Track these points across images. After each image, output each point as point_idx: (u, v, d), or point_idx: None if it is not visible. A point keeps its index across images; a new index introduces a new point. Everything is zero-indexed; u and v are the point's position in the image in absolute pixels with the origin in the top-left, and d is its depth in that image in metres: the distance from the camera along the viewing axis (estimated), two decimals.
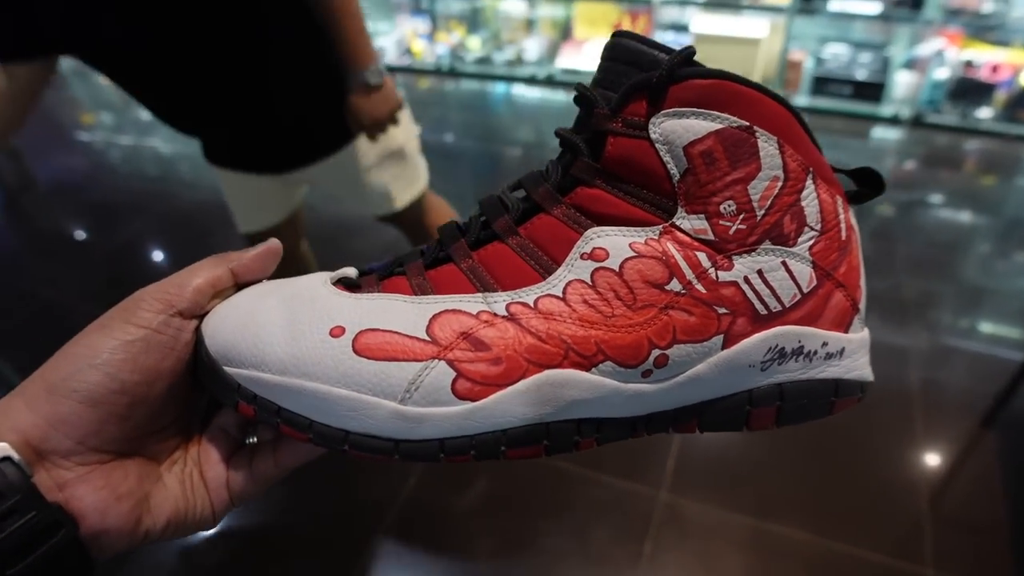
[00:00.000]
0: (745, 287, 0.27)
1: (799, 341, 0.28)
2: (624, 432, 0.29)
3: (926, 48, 2.93)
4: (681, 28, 3.29)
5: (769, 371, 0.29)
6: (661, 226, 0.27)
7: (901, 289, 1.93)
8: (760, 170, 0.26)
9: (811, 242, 0.28)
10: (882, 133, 2.98)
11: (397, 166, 1.20)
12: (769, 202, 0.27)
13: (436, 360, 0.26)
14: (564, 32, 3.65)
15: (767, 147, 0.26)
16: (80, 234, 2.55)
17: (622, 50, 0.28)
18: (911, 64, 3.00)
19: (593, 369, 0.27)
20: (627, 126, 0.27)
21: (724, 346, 0.28)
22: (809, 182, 0.28)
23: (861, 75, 2.99)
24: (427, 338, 0.27)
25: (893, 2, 2.83)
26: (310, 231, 1.45)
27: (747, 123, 0.26)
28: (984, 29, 2.83)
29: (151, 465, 0.30)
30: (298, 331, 0.28)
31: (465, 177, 2.73)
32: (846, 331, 0.31)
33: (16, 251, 2.51)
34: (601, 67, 0.29)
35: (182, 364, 0.30)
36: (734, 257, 0.27)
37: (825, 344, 0.29)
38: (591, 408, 0.28)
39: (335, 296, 0.29)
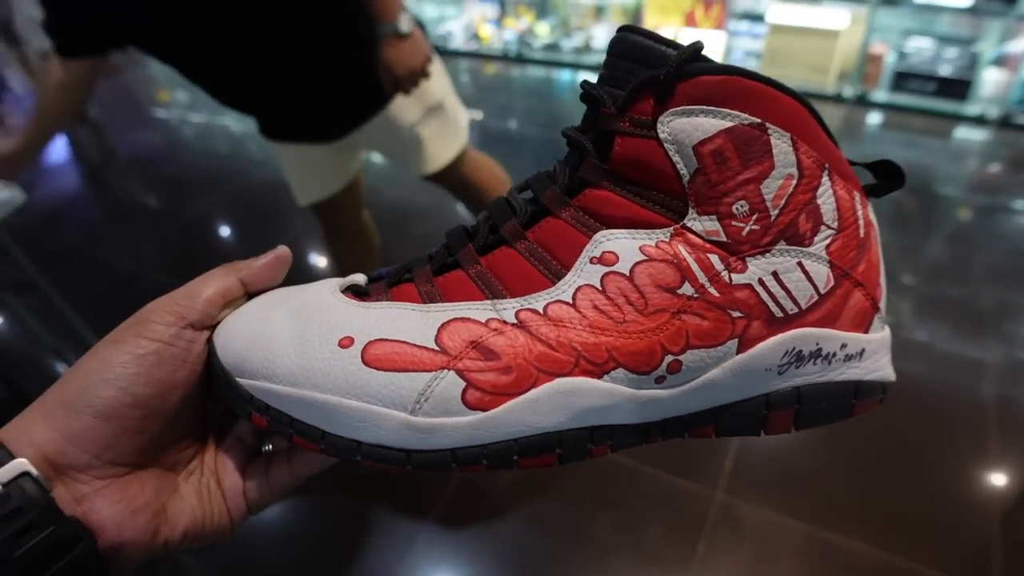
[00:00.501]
0: (760, 289, 0.26)
1: (817, 343, 0.28)
2: (638, 438, 0.29)
3: (1019, 44, 2.77)
4: (756, 17, 3.20)
5: (786, 375, 0.28)
6: (672, 228, 0.26)
7: (978, 298, 1.84)
8: (773, 168, 0.25)
9: (828, 241, 0.27)
10: (965, 133, 2.84)
11: (437, 121, 1.22)
12: (783, 201, 0.26)
13: (445, 370, 0.26)
14: (635, 19, 3.59)
15: (780, 144, 0.25)
16: (156, 207, 2.65)
17: (629, 46, 0.27)
18: (1001, 61, 2.84)
19: (605, 376, 0.27)
20: (634, 125, 0.26)
21: (739, 350, 0.27)
22: (825, 179, 0.27)
23: (946, 71, 2.85)
24: (436, 348, 0.26)
25: None
26: (372, 216, 1.48)
27: (759, 120, 0.25)
28: None
29: (168, 476, 0.30)
30: (308, 342, 0.28)
31: (527, 164, 2.72)
32: (866, 331, 0.29)
33: (97, 222, 2.63)
34: (607, 64, 0.28)
35: (195, 376, 0.30)
36: (748, 259, 0.26)
37: (844, 346, 0.28)
38: (604, 415, 0.27)
39: (343, 305, 0.29)
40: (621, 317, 0.26)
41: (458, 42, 3.80)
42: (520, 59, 3.72)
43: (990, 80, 2.81)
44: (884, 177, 0.29)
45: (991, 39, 2.93)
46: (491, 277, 0.28)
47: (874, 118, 3.01)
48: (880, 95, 3.00)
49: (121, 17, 0.95)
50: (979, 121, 2.84)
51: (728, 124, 0.25)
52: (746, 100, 0.25)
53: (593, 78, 0.29)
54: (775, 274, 0.26)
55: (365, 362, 0.26)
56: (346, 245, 1.46)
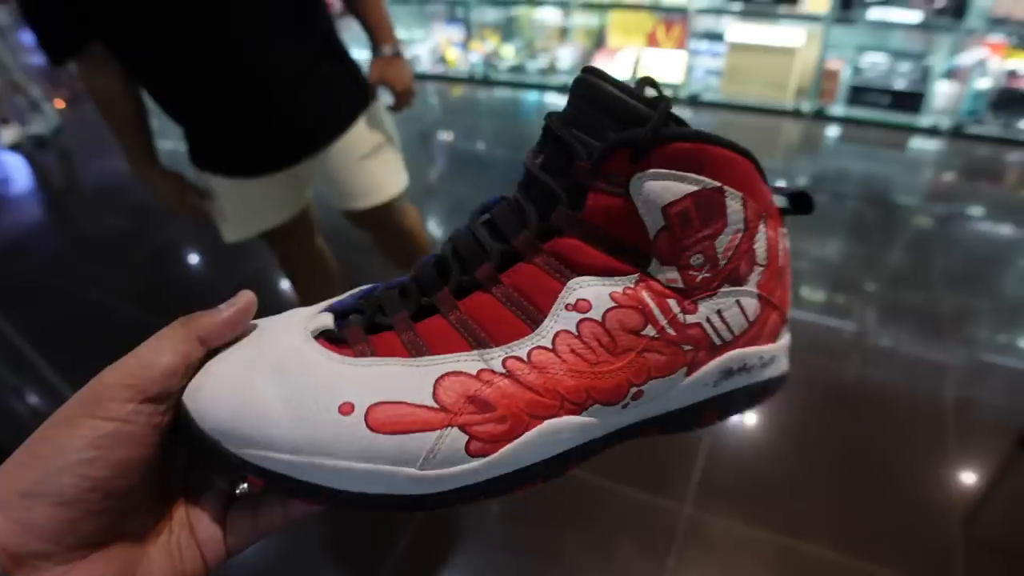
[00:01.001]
0: (707, 326, 0.30)
1: (744, 362, 0.32)
2: (600, 449, 0.31)
3: (968, 57, 2.87)
4: (716, 37, 3.27)
5: (719, 386, 0.32)
6: (637, 275, 0.29)
7: (937, 304, 1.89)
8: (726, 226, 0.29)
9: (759, 277, 0.31)
10: (920, 144, 2.92)
11: (387, 154, 1.26)
12: (731, 252, 0.29)
13: (449, 427, 0.27)
14: (598, 41, 3.65)
15: (733, 204, 0.28)
16: (122, 236, 2.62)
17: (596, 92, 0.28)
18: (952, 74, 2.94)
19: (583, 412, 0.29)
20: (608, 182, 0.28)
21: (687, 375, 0.31)
22: (762, 226, 0.30)
23: (900, 85, 2.94)
24: (436, 405, 0.28)
25: (934, 11, 2.78)
26: (335, 237, 1.48)
27: (718, 184, 0.28)
28: None
29: (134, 545, 0.29)
30: (304, 410, 0.27)
31: (495, 185, 2.74)
32: (775, 341, 0.33)
33: (60, 251, 2.59)
34: (573, 104, 0.29)
35: (157, 448, 0.28)
36: (699, 302, 0.29)
37: (761, 357, 0.33)
38: (578, 440, 0.30)
39: (328, 363, 0.29)
40: (595, 359, 0.28)
41: (425, 65, 3.83)
42: (486, 81, 3.76)
43: (941, 92, 2.91)
44: (798, 205, 0.33)
45: (941, 53, 3.03)
46: (473, 325, 0.29)
47: (832, 131, 3.09)
48: (837, 109, 3.09)
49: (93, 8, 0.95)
50: (932, 132, 2.92)
51: (694, 188, 0.27)
52: (711, 165, 0.28)
53: (559, 99, 0.30)
54: (719, 312, 0.30)
55: (370, 427, 0.27)
56: (304, 274, 1.46)
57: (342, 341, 0.30)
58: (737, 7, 3.11)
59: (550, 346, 0.28)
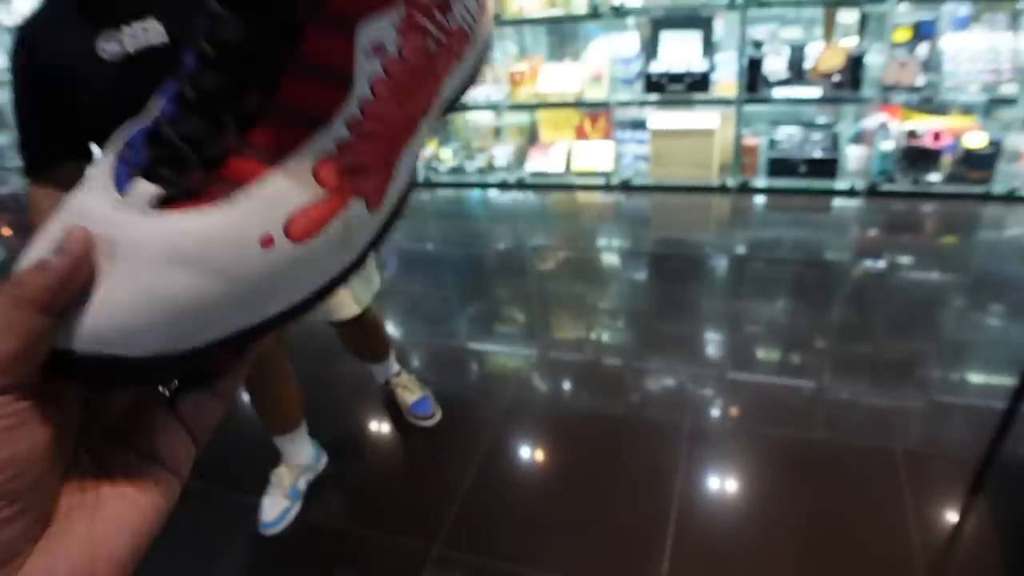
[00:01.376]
0: (461, 21, 0.35)
1: (487, 39, 0.38)
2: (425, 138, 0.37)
3: (870, 122, 3.11)
4: (639, 125, 3.48)
5: (474, 64, 0.38)
6: (402, 4, 0.32)
7: (883, 353, 1.97)
8: None
9: None
10: (842, 204, 3.11)
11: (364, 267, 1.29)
12: None
13: (349, 200, 0.30)
14: (531, 137, 3.83)
15: None
16: None
17: None
18: (859, 138, 3.17)
19: (422, 126, 0.34)
20: None
21: (460, 64, 0.37)
22: None
23: (814, 153, 3.15)
24: (328, 192, 0.29)
25: (832, 85, 3.03)
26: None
27: None
28: (921, 101, 3.02)
29: (72, 523, 0.26)
30: (231, 269, 0.27)
31: (449, 281, 2.79)
32: (486, 15, 0.39)
33: None
34: None
35: (50, 426, 0.25)
36: (451, 3, 0.34)
37: (489, 31, 0.39)
38: (421, 144, 0.35)
39: (207, 218, 0.27)
40: (409, 87, 0.32)
41: None
42: (428, 184, 3.88)
43: (852, 156, 3.13)
44: None
45: (847, 120, 3.28)
46: (301, 109, 0.29)
47: (759, 201, 3.26)
48: (760, 181, 3.27)
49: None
50: (851, 193, 3.12)
51: None
52: None
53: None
54: (464, 6, 0.35)
55: (294, 240, 0.28)
56: (271, 393, 1.47)
57: (190, 194, 0.27)
58: (654, 97, 3.33)
59: (371, 96, 0.31)
